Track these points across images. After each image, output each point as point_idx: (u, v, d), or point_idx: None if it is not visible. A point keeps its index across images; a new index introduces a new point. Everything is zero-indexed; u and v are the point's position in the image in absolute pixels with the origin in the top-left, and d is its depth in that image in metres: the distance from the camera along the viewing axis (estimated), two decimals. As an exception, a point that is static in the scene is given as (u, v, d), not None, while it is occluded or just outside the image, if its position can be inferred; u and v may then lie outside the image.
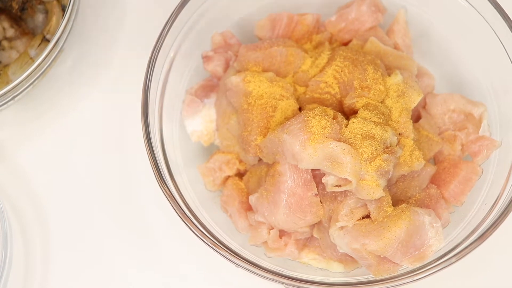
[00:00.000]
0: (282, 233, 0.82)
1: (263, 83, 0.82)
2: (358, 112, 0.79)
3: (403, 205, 0.77)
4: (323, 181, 0.77)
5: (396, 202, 0.79)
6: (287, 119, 0.80)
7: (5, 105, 0.90)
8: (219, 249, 0.75)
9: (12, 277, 0.88)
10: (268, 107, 0.81)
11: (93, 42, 1.01)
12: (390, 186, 0.80)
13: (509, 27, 0.82)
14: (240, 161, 0.86)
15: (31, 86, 0.89)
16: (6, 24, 0.93)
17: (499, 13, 0.82)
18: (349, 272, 0.82)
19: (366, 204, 0.78)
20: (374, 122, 0.77)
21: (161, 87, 0.86)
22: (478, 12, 0.85)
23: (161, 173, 0.78)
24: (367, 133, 0.75)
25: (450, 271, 0.75)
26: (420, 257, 0.75)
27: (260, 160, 0.83)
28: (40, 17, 0.96)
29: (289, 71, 0.85)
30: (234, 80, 0.82)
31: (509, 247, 0.88)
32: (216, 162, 0.86)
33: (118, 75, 0.99)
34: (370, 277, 0.79)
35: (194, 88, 0.89)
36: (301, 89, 0.85)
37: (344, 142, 0.75)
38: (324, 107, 0.80)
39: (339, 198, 0.78)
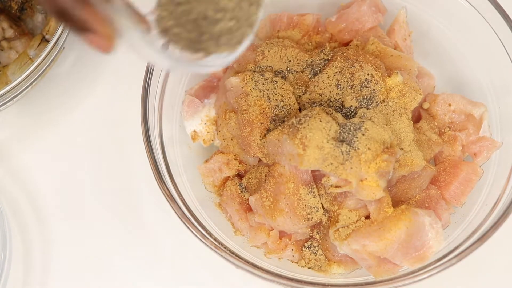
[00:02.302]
0: (282, 234, 0.82)
1: (263, 83, 0.82)
2: (358, 112, 0.79)
3: (403, 206, 0.77)
4: (323, 182, 0.77)
5: (396, 203, 0.79)
6: (286, 119, 0.80)
7: (5, 106, 0.89)
8: (219, 250, 0.75)
9: (11, 277, 0.88)
10: (267, 108, 0.81)
11: (92, 42, 1.00)
12: (390, 187, 0.80)
13: (509, 27, 0.82)
14: (240, 162, 0.86)
15: (30, 87, 0.89)
16: (5, 24, 0.93)
17: (499, 13, 0.82)
18: (349, 273, 0.82)
19: (366, 205, 0.77)
20: (374, 123, 0.77)
21: (161, 88, 0.86)
22: (478, 12, 0.85)
23: (161, 174, 0.78)
24: (367, 134, 0.75)
25: (450, 272, 0.74)
26: (421, 258, 0.75)
27: (260, 160, 0.83)
28: (39, 17, 0.96)
29: (289, 71, 0.85)
30: (234, 80, 0.82)
31: (510, 248, 0.88)
32: (216, 162, 0.86)
33: (118, 75, 0.99)
34: (370, 278, 0.78)
35: (194, 88, 0.89)
36: (301, 89, 0.84)
37: (344, 143, 0.75)
38: (324, 107, 0.80)
39: (339, 199, 0.78)
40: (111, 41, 0.55)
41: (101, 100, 0.98)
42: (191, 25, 0.57)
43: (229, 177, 0.86)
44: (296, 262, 0.83)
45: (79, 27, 0.54)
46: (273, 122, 0.81)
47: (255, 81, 0.82)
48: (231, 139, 0.85)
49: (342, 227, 0.78)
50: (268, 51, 0.85)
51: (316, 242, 0.82)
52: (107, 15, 0.54)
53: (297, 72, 0.85)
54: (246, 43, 0.61)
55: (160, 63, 0.61)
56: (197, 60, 0.59)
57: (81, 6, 0.53)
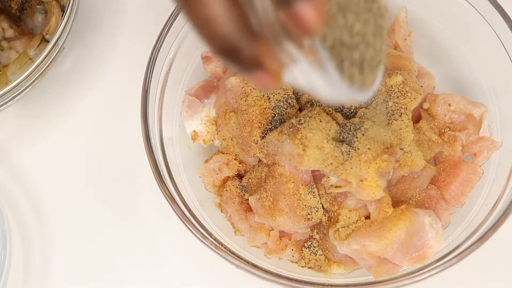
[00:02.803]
0: (282, 234, 0.82)
1: (263, 83, 0.82)
2: (358, 112, 0.79)
3: (403, 206, 0.77)
4: (323, 182, 0.77)
5: (396, 203, 0.79)
6: (287, 119, 0.80)
7: (5, 106, 0.89)
8: (219, 250, 0.75)
9: (11, 277, 0.88)
10: (267, 108, 0.81)
11: (92, 42, 1.01)
12: (390, 187, 0.80)
13: (509, 27, 0.82)
14: (240, 162, 0.86)
15: (30, 87, 0.89)
16: (5, 24, 0.93)
17: (499, 13, 0.82)
18: (349, 273, 0.82)
19: (366, 205, 0.77)
20: (374, 123, 0.77)
21: (161, 88, 0.86)
22: (479, 12, 0.85)
23: (161, 174, 0.78)
24: (367, 134, 0.75)
25: (450, 272, 0.74)
26: (421, 258, 0.75)
27: (260, 161, 0.83)
28: (39, 17, 0.96)
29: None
30: (234, 81, 0.82)
31: (510, 248, 0.88)
32: (216, 162, 0.86)
33: (118, 75, 0.99)
34: (370, 278, 0.78)
35: (194, 88, 0.89)
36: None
37: (344, 143, 0.75)
38: (324, 108, 0.80)
39: (339, 199, 0.78)
40: (278, 78, 0.51)
41: (101, 100, 0.98)
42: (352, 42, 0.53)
43: (229, 177, 0.86)
44: (296, 262, 0.83)
45: (248, 65, 0.49)
46: (273, 122, 0.81)
47: (255, 81, 0.82)
48: (231, 139, 0.85)
49: (342, 227, 0.78)
50: (268, 51, 0.85)
51: (316, 242, 0.82)
52: (279, 49, 0.50)
53: (297, 72, 0.85)
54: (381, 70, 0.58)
55: (325, 91, 0.55)
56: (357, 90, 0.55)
57: (255, 43, 0.48)
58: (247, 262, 0.75)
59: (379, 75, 0.57)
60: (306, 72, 0.52)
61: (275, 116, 0.81)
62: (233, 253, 0.76)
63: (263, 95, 0.81)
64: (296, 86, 0.54)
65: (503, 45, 0.84)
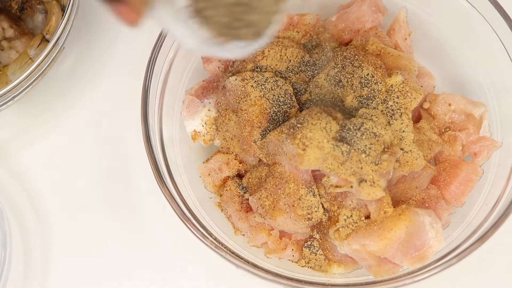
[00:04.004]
0: (282, 234, 0.82)
1: (263, 83, 0.82)
2: (358, 112, 0.79)
3: (403, 206, 0.77)
4: (323, 181, 0.77)
5: (396, 203, 0.79)
6: (287, 119, 0.80)
7: (5, 106, 0.89)
8: (219, 250, 0.75)
9: (11, 277, 0.88)
10: (267, 108, 0.81)
11: (92, 42, 1.01)
12: (390, 186, 0.80)
13: (509, 27, 0.82)
14: (240, 162, 0.86)
15: (30, 87, 0.89)
16: (5, 24, 0.93)
17: (499, 13, 0.82)
18: (349, 273, 0.82)
19: (366, 205, 0.77)
20: (374, 122, 0.77)
21: (161, 88, 0.86)
22: (479, 12, 0.85)
23: (161, 174, 0.78)
24: (367, 133, 0.75)
25: (450, 272, 0.74)
26: (421, 258, 0.75)
27: (260, 160, 0.83)
28: (39, 17, 0.96)
29: (289, 71, 0.85)
30: (234, 80, 0.82)
31: (510, 248, 0.88)
32: (216, 162, 0.86)
33: (118, 75, 0.99)
34: (370, 278, 0.78)
35: (194, 88, 0.89)
36: (301, 89, 0.84)
37: (344, 143, 0.75)
38: (324, 107, 0.80)
39: (339, 199, 0.78)
40: (140, 14, 0.52)
41: (101, 100, 0.98)
42: (225, 10, 0.56)
43: (229, 177, 0.86)
44: (296, 262, 0.83)
45: None
46: (273, 122, 0.81)
47: (255, 81, 0.82)
48: (231, 139, 0.85)
49: (342, 227, 0.78)
50: (268, 51, 0.85)
51: (316, 242, 0.82)
52: None
53: (297, 72, 0.85)
54: (269, 34, 0.60)
55: (186, 41, 0.58)
56: (220, 43, 0.58)
57: None
58: (247, 261, 0.75)
59: (262, 30, 0.59)
60: (171, 16, 0.54)
61: (275, 116, 0.81)
62: (233, 252, 0.76)
63: (263, 95, 0.81)
64: (163, 27, 0.55)
65: (503, 45, 0.84)
